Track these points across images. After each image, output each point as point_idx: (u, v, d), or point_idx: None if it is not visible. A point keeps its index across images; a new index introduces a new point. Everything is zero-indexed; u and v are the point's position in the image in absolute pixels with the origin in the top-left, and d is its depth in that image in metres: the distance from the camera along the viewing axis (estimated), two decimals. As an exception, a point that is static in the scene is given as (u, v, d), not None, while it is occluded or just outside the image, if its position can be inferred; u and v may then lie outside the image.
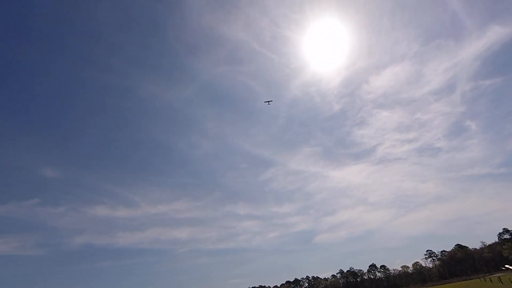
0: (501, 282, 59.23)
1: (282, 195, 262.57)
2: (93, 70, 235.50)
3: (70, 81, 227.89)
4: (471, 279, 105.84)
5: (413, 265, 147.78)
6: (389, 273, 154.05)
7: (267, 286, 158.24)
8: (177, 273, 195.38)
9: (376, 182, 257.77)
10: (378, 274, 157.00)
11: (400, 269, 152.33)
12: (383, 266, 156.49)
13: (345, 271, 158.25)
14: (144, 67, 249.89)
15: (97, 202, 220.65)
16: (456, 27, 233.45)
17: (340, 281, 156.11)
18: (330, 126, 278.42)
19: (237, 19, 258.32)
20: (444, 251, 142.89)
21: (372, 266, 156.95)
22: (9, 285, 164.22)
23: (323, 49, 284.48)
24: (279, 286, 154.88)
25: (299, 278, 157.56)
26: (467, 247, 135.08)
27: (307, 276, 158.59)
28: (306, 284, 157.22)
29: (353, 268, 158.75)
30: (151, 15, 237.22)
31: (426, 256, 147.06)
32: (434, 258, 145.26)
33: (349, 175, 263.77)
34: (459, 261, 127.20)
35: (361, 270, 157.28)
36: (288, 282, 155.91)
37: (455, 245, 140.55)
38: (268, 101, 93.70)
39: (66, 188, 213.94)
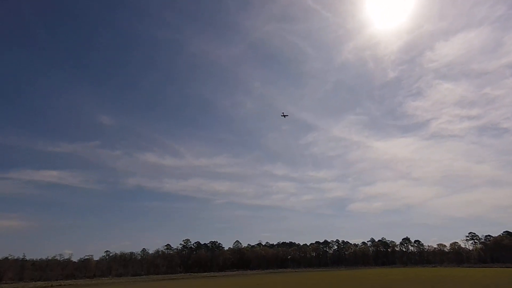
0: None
1: (321, 161, 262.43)
2: (148, 24, 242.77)
3: (127, 34, 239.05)
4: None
5: (451, 244, 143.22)
6: (423, 249, 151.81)
7: (297, 243, 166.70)
8: (214, 221, 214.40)
9: (424, 158, 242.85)
10: (411, 248, 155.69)
11: (436, 246, 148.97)
12: (417, 241, 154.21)
13: (376, 240, 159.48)
14: (195, 22, 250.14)
15: (147, 150, 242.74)
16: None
17: (370, 249, 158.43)
18: (381, 94, 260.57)
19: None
20: (489, 235, 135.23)
21: (406, 240, 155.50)
22: (77, 211, 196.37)
23: (385, 9, 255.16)
24: (308, 244, 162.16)
25: (329, 240, 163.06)
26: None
27: (337, 240, 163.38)
28: (335, 247, 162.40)
29: (385, 238, 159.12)
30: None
31: (468, 238, 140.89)
32: (477, 241, 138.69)
33: (395, 147, 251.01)
34: (504, 248, 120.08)
35: (393, 242, 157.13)
36: (317, 242, 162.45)
37: (504, 232, 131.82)
38: (284, 115, 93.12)
39: (121, 134, 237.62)
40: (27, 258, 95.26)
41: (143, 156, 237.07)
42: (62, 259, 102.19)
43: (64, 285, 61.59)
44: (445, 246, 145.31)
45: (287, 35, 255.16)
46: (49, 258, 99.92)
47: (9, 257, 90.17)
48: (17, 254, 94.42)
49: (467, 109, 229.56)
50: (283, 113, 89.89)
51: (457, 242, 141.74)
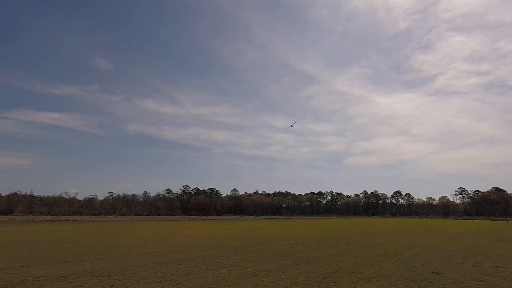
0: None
1: (320, 114, 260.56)
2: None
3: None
4: (497, 220, 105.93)
5: (440, 198, 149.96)
6: (412, 201, 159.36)
7: (292, 193, 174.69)
8: (212, 169, 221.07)
9: (425, 114, 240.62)
10: (401, 200, 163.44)
11: (425, 199, 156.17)
12: (408, 194, 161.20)
13: (368, 193, 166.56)
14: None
15: (146, 96, 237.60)
16: None
17: (362, 200, 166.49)
18: (388, 47, 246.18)
19: None
20: (478, 191, 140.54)
21: (397, 193, 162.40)
22: (79, 154, 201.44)
23: None
24: (303, 194, 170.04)
25: (323, 191, 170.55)
26: (505, 191, 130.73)
27: (331, 191, 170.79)
28: (329, 197, 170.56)
29: (377, 191, 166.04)
30: None
31: (457, 193, 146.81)
32: (465, 195, 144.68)
33: (397, 103, 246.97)
34: (490, 202, 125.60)
35: (384, 194, 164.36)
36: (312, 192, 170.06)
37: (492, 187, 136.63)
38: (291, 125, 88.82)
39: (119, 79, 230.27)
40: (35, 194, 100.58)
41: (142, 102, 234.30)
42: (68, 197, 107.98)
43: (72, 220, 65.55)
44: (434, 199, 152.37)
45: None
46: (56, 195, 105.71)
47: (18, 193, 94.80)
48: (25, 190, 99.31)
49: (476, 64, 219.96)
50: (291, 125, 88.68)
51: (446, 196, 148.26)
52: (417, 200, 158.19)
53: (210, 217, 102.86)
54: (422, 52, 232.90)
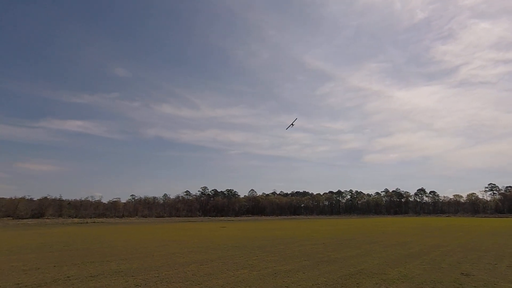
0: None
1: (337, 112, 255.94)
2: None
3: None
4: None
5: (468, 195, 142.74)
6: (437, 199, 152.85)
7: (310, 192, 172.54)
8: (229, 170, 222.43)
9: (448, 107, 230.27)
10: (426, 198, 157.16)
11: (451, 197, 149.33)
12: (432, 192, 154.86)
13: (390, 191, 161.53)
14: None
15: (164, 101, 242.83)
16: None
17: (384, 199, 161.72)
18: (406, 39, 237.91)
19: None
20: (510, 187, 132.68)
21: (421, 190, 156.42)
22: (103, 159, 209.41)
23: None
24: (321, 194, 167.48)
25: (342, 190, 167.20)
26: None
27: (350, 190, 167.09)
28: (348, 196, 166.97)
29: (399, 189, 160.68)
30: None
31: (487, 190, 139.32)
32: (495, 192, 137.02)
33: (417, 97, 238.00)
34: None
35: (407, 192, 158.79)
36: (331, 191, 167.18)
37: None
38: (292, 123, 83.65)
39: (137, 86, 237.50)
40: (63, 198, 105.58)
41: (160, 107, 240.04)
42: (94, 200, 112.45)
43: (98, 222, 68.40)
44: (461, 197, 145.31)
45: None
46: (82, 199, 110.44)
47: (48, 197, 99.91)
48: (54, 194, 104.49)
49: (503, 52, 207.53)
50: (292, 123, 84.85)
51: (475, 193, 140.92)
52: (443, 198, 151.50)
53: (229, 218, 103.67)
54: (443, 43, 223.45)
